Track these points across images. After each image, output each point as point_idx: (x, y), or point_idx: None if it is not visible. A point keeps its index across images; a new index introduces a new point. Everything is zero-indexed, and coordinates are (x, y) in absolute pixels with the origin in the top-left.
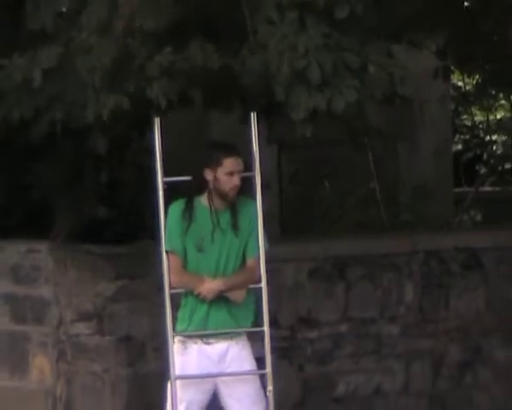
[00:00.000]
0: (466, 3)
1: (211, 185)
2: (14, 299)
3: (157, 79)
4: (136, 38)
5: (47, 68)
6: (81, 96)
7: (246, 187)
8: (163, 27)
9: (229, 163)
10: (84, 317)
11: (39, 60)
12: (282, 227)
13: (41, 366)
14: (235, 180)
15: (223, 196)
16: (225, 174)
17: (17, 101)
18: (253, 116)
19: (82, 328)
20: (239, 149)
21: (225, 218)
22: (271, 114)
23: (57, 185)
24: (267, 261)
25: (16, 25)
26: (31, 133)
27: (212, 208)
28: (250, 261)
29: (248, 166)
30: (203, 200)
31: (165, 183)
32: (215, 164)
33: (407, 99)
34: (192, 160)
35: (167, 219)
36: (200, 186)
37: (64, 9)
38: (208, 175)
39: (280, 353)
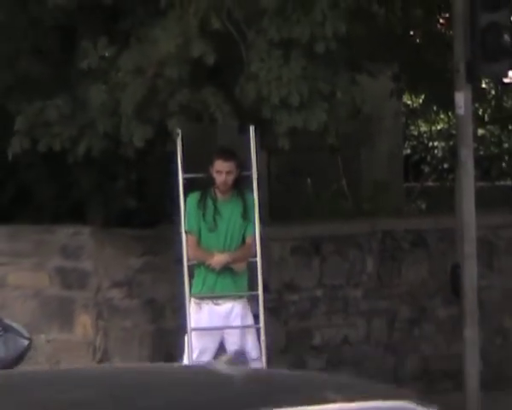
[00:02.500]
0: (415, 40)
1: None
2: (63, 271)
3: (176, 114)
4: (163, 80)
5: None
6: (110, 124)
7: (247, 183)
8: (184, 73)
9: (217, 164)
10: (117, 284)
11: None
12: (270, 215)
13: (84, 323)
14: (221, 178)
15: (218, 189)
16: (215, 172)
17: (59, 131)
18: (252, 129)
19: (116, 293)
20: (234, 153)
21: (230, 206)
22: (262, 127)
23: (93, 184)
24: (262, 240)
25: (65, 65)
26: (69, 158)
27: (216, 199)
28: (248, 239)
29: (247, 167)
30: (212, 192)
31: (184, 178)
32: (212, 164)
33: (367, 115)
34: (203, 162)
35: (186, 206)
36: (210, 181)
37: (107, 54)
38: (211, 172)
39: (269, 311)
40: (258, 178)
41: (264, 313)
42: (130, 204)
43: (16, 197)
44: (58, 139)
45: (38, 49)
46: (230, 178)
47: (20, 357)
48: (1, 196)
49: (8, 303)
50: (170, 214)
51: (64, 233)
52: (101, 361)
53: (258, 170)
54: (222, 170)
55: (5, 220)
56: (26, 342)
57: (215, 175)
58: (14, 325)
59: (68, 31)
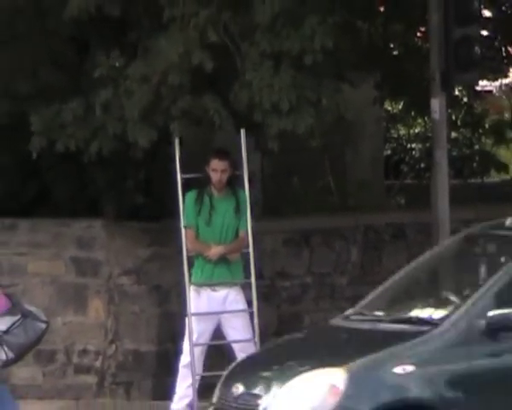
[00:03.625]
0: (395, 52)
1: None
2: (78, 260)
3: (178, 119)
4: (167, 87)
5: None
6: (120, 127)
7: (240, 181)
8: (185, 81)
9: (213, 163)
10: (127, 272)
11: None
12: (263, 210)
13: (96, 307)
14: (217, 176)
15: (214, 186)
16: (211, 171)
17: (74, 132)
18: (243, 132)
19: (125, 280)
20: (228, 153)
21: (225, 202)
22: (257, 130)
23: (106, 183)
24: (254, 233)
25: (79, 73)
26: (84, 158)
27: (212, 196)
28: (241, 233)
29: (238, 167)
30: (208, 189)
31: (182, 178)
32: (207, 163)
33: (351, 121)
34: (202, 162)
35: (184, 203)
36: (207, 179)
37: (117, 64)
38: (207, 171)
39: (263, 297)
40: (252, 177)
41: (257, 299)
42: (139, 200)
43: (37, 195)
44: (73, 140)
45: (55, 59)
46: (225, 176)
47: (38, 340)
48: (24, 194)
49: (28, 289)
50: (173, 209)
51: (79, 226)
52: (112, 342)
53: (250, 169)
54: (217, 168)
55: (27, 215)
56: (43, 326)
57: (211, 173)
58: (33, 309)
59: (82, 42)
